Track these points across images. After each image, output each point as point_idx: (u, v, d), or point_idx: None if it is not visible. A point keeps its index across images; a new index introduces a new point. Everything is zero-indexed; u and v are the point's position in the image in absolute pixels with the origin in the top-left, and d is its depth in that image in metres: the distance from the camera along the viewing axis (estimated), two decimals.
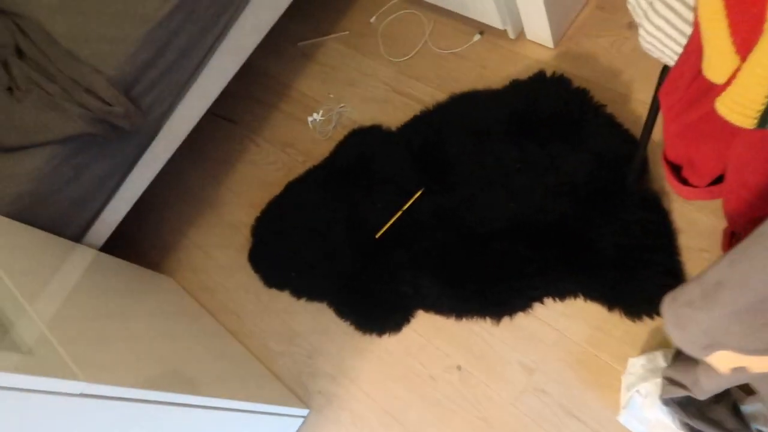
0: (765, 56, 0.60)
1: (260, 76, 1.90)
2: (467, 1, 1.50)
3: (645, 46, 0.82)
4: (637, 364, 1.16)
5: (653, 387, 1.11)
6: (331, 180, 1.62)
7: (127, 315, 1.29)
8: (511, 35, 1.55)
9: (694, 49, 0.75)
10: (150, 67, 1.35)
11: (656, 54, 0.82)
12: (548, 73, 1.48)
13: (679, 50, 0.79)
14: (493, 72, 1.57)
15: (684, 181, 1.04)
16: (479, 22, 1.58)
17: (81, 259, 1.39)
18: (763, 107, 0.67)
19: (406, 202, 1.50)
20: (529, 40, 1.55)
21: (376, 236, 1.50)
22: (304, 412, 1.46)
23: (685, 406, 1.03)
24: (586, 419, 1.21)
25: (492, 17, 1.49)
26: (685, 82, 0.81)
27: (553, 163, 1.39)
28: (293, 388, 1.49)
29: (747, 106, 0.69)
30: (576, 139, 1.38)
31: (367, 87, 1.72)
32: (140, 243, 1.86)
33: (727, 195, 0.97)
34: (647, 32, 0.80)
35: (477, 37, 1.61)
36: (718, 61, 0.73)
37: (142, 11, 1.32)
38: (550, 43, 1.50)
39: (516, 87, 1.49)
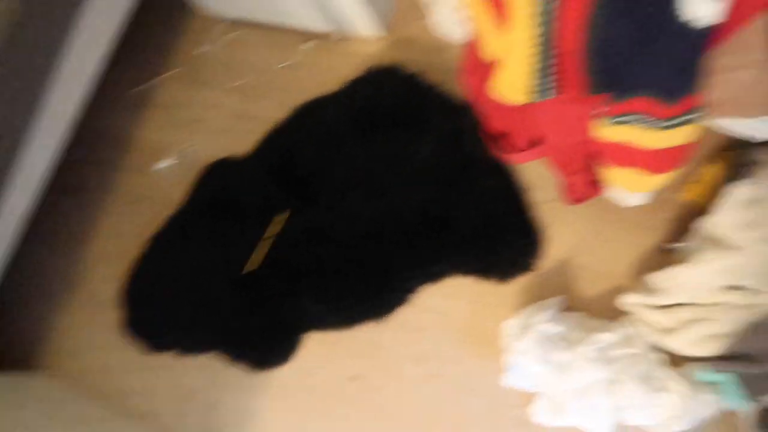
0: (520, 36, 0.72)
1: (100, 137, 1.89)
2: (286, 12, 1.59)
3: (439, 28, 0.92)
4: (511, 326, 1.27)
5: (528, 344, 1.22)
6: (193, 224, 1.65)
7: None
8: (340, 36, 1.66)
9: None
10: None
11: (452, 34, 0.92)
12: (380, 65, 1.59)
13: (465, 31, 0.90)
14: (331, 76, 1.66)
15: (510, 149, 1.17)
16: (305, 30, 1.69)
17: None
18: (534, 82, 0.79)
19: (275, 228, 1.57)
20: (358, 37, 1.66)
21: (252, 270, 1.56)
22: None
23: None
24: (483, 392, 1.31)
25: (314, 23, 1.59)
26: (478, 61, 0.93)
27: (404, 153, 1.50)
28: None
29: (518, 84, 0.81)
30: (420, 124, 1.50)
31: (213, 120, 1.78)
32: (9, 345, 1.82)
33: (550, 153, 1.11)
34: (438, 14, 0.90)
35: (307, 45, 1.71)
36: (485, 40, 0.85)
37: None
38: (377, 35, 1.61)
39: (353, 86, 1.58)
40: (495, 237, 1.35)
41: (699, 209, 1.17)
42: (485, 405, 1.29)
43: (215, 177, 1.67)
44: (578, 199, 1.20)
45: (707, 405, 1.10)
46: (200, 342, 1.57)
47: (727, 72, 0.68)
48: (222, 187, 1.64)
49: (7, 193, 1.45)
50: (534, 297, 1.31)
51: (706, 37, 0.59)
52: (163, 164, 1.74)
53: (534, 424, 1.23)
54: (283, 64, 1.72)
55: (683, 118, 0.75)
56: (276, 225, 1.55)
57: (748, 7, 0.60)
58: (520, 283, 1.33)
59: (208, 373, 1.53)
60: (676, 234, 1.23)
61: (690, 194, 1.21)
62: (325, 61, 1.67)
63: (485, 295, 1.35)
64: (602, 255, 1.29)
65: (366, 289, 1.43)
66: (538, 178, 1.38)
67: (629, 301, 1.19)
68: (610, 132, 0.82)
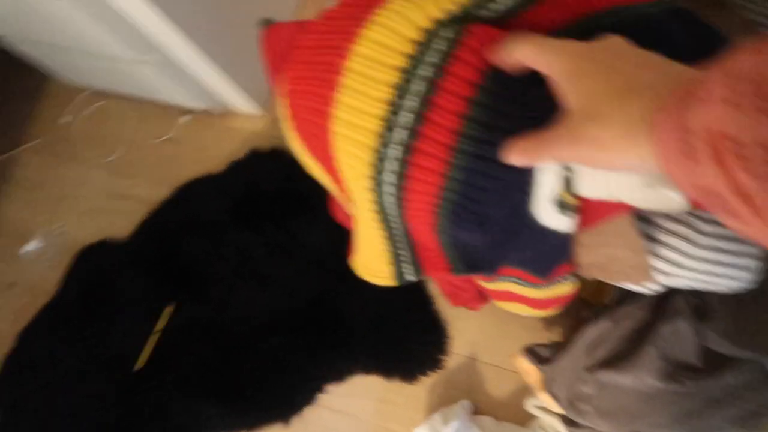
0: (366, 218, 0.62)
1: None
2: (156, 89, 1.42)
3: None
4: None
5: None
6: (66, 318, 1.48)
7: None
8: (217, 111, 1.51)
9: None
10: None
11: None
12: (262, 148, 1.46)
13: None
14: (211, 153, 1.51)
15: None
16: (180, 106, 1.52)
17: None
18: (390, 268, 0.70)
19: (157, 323, 1.42)
20: (238, 113, 1.52)
21: (135, 369, 1.41)
22: None
23: None
24: None
25: (188, 100, 1.43)
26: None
27: (295, 241, 1.39)
28: None
29: (378, 271, 0.71)
30: (309, 211, 1.39)
31: (82, 198, 1.59)
32: None
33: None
34: None
35: (185, 118, 1.54)
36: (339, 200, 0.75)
37: None
38: (257, 111, 1.48)
39: (235, 169, 1.45)
40: (397, 333, 1.28)
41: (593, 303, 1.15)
42: None
43: (90, 264, 1.51)
44: (463, 305, 1.13)
45: None
46: None
47: (593, 246, 0.64)
48: (98, 276, 1.48)
49: None
50: (441, 397, 1.25)
51: (567, 235, 0.53)
52: (30, 247, 1.55)
53: None
54: (159, 139, 1.54)
55: (556, 283, 0.70)
56: (163, 319, 1.40)
57: (609, 210, 0.55)
58: (426, 381, 1.27)
59: None
60: (572, 329, 1.20)
61: (584, 293, 1.18)
62: (206, 136, 1.52)
63: (391, 394, 1.29)
64: (507, 352, 1.24)
65: (267, 390, 1.33)
66: None
67: (534, 404, 1.16)
68: (489, 285, 0.76)
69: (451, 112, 0.45)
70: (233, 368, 1.36)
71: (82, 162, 1.59)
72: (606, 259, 0.66)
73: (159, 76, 1.31)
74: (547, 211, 0.50)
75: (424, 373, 1.28)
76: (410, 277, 0.69)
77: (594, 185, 0.48)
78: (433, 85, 0.45)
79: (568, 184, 0.48)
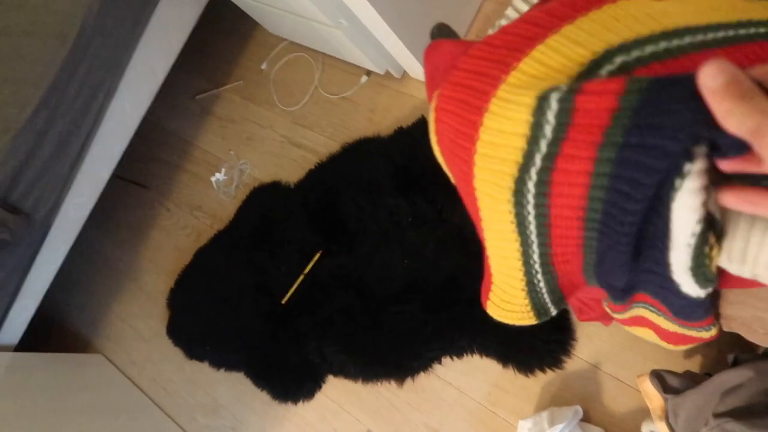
0: (500, 267, 0.63)
1: (162, 135, 1.95)
2: (343, 48, 1.52)
3: None
4: (524, 427, 1.21)
5: None
6: (236, 246, 1.68)
7: (56, 420, 1.39)
8: (396, 75, 1.57)
9: None
10: (23, 171, 1.40)
11: None
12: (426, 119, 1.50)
13: None
14: (382, 116, 1.59)
15: None
16: (363, 67, 1.61)
17: None
18: (527, 300, 0.69)
19: (307, 265, 1.56)
20: (414, 78, 1.57)
21: (282, 302, 1.57)
22: None
23: None
24: None
25: (368, 62, 1.52)
26: None
27: (441, 216, 1.43)
28: None
29: (517, 306, 0.71)
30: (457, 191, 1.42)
31: (265, 140, 1.76)
32: (66, 325, 1.95)
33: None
34: None
35: (364, 79, 1.64)
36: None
37: (1, 122, 1.37)
38: None
39: (401, 136, 1.51)
40: (523, 327, 1.27)
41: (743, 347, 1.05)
42: None
43: (262, 203, 1.67)
44: (591, 321, 1.10)
45: None
46: (229, 361, 1.61)
47: (738, 304, 0.60)
48: (266, 215, 1.65)
49: (71, 194, 1.54)
50: (554, 396, 1.24)
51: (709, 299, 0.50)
52: (219, 176, 1.75)
53: None
54: (339, 95, 1.65)
55: (696, 329, 0.66)
56: (311, 263, 1.53)
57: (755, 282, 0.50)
58: (541, 377, 1.26)
59: (238, 391, 1.59)
60: (712, 364, 1.11)
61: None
62: (380, 99, 1.60)
63: (504, 382, 1.30)
64: (634, 370, 1.19)
65: (390, 350, 1.40)
66: None
67: (651, 429, 1.10)
68: (619, 316, 0.74)
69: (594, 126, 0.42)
70: (364, 323, 1.45)
71: (271, 107, 1.76)
72: (751, 318, 0.63)
73: (348, 39, 1.40)
74: (683, 280, 0.48)
75: (542, 369, 1.27)
76: (551, 308, 0.68)
77: (745, 265, 0.44)
78: (571, 108, 0.43)
79: (710, 257, 0.44)
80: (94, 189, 1.60)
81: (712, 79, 0.31)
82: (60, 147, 1.43)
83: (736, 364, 0.89)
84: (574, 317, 1.26)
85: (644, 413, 1.14)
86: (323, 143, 1.65)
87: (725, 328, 0.73)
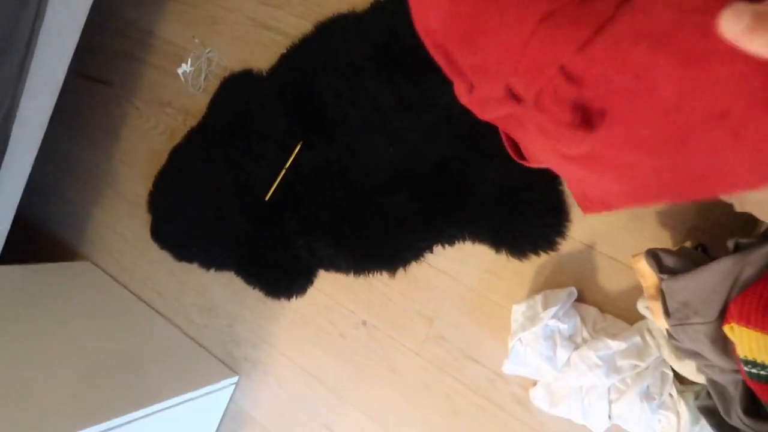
0: None
1: (121, 25, 1.79)
2: None
3: None
4: (518, 311, 1.20)
5: (532, 336, 1.16)
6: (211, 142, 1.59)
7: (49, 326, 1.38)
8: None
9: None
10: None
11: None
12: None
13: None
14: None
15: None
16: None
17: None
18: None
19: (288, 159, 1.48)
20: None
21: (265, 199, 1.51)
22: (235, 378, 1.58)
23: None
24: (484, 361, 1.29)
25: None
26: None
27: (427, 99, 1.33)
28: (222, 358, 1.61)
29: None
30: None
31: (231, 24, 1.62)
32: (50, 235, 1.91)
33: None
34: None
35: None
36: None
37: None
38: None
39: (377, 11, 1.38)
40: (517, 209, 1.22)
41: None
42: (486, 376, 1.27)
43: (234, 94, 1.57)
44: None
45: (705, 430, 1.04)
46: (218, 260, 1.59)
47: None
48: (240, 108, 1.55)
49: (26, 99, 1.44)
50: (548, 280, 1.21)
51: None
52: (185, 68, 1.63)
53: (531, 405, 1.20)
54: None
55: None
56: (291, 157, 1.45)
57: None
58: (535, 261, 1.23)
59: (231, 289, 1.58)
60: (717, 240, 1.07)
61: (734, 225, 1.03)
62: None
63: (497, 267, 1.27)
64: (629, 248, 1.15)
65: (379, 242, 1.36)
66: None
67: (647, 306, 1.08)
68: None
69: None
70: (351, 215, 1.40)
71: None
72: (765, 198, 0.61)
73: None
74: None
75: (535, 252, 1.24)
76: None
77: None
78: None
79: None
80: (50, 90, 1.49)
81: (736, 23, 0.31)
82: (1, 47, 1.30)
83: (737, 250, 0.84)
84: (568, 198, 1.20)
85: (639, 291, 1.12)
86: (294, 24, 1.50)
87: (738, 209, 0.68)
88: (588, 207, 0.65)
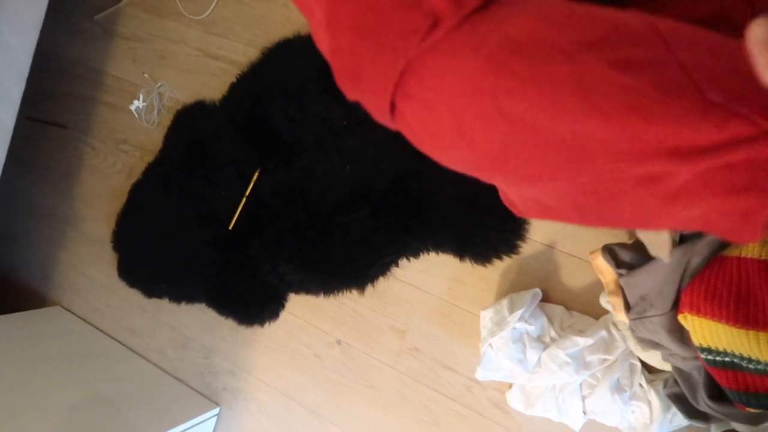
0: None
1: (68, 66, 1.77)
2: None
3: None
4: (486, 317, 1.21)
5: (501, 340, 1.17)
6: (170, 176, 1.58)
7: (22, 374, 1.36)
8: None
9: None
10: None
11: None
12: None
13: None
14: (298, 11, 1.44)
15: None
16: None
17: None
18: None
19: (248, 186, 1.47)
20: None
21: (229, 228, 1.50)
22: (216, 409, 1.57)
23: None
24: (459, 369, 1.30)
25: None
26: None
27: None
28: (201, 390, 1.59)
29: None
30: None
31: (178, 57, 1.61)
32: (17, 283, 1.88)
33: None
34: None
35: None
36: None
37: None
38: None
39: None
40: (474, 218, 1.24)
41: None
42: (462, 384, 1.28)
43: (188, 126, 1.56)
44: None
45: (677, 417, 1.06)
46: (188, 294, 1.58)
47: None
48: (195, 140, 1.54)
49: None
50: (513, 283, 1.23)
51: None
52: (137, 104, 1.62)
53: (509, 408, 1.21)
54: None
55: None
56: (250, 184, 1.45)
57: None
58: (499, 265, 1.24)
59: (204, 321, 1.58)
60: None
61: None
62: None
63: (463, 275, 1.28)
64: (588, 244, 1.17)
65: (345, 261, 1.37)
66: None
67: (608, 301, 1.10)
68: None
69: None
70: (314, 238, 1.40)
71: (177, 18, 1.59)
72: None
73: None
74: None
75: (498, 257, 1.25)
76: None
77: None
78: None
79: None
80: (1, 138, 1.46)
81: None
82: None
83: (682, 241, 0.86)
84: None
85: (602, 286, 1.13)
86: (242, 51, 1.50)
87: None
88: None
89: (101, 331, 1.72)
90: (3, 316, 1.64)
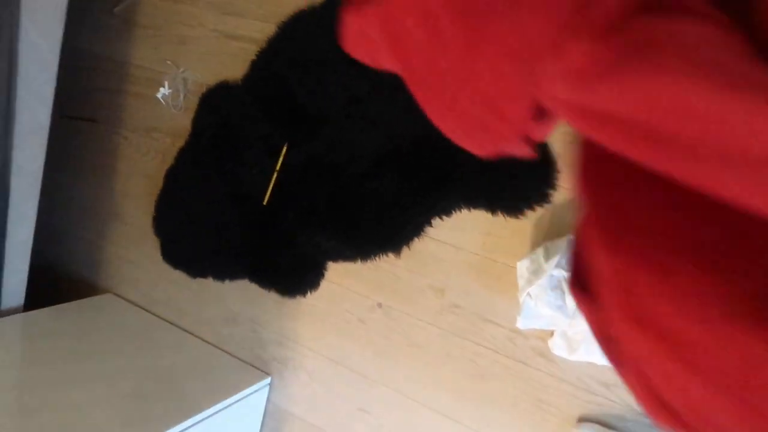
0: None
1: (93, 61, 1.81)
2: None
3: None
4: (523, 267, 1.22)
5: (539, 289, 1.18)
6: (201, 158, 1.61)
7: (83, 365, 1.43)
8: None
9: None
10: None
11: None
12: None
13: None
14: None
15: None
16: None
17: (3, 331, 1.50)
18: None
19: (277, 161, 1.50)
20: None
21: (264, 203, 1.53)
22: (268, 379, 1.62)
23: None
24: (500, 321, 1.31)
25: None
26: None
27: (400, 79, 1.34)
28: (251, 362, 1.65)
29: None
30: None
31: (198, 40, 1.63)
32: (68, 275, 1.95)
33: None
34: None
35: None
36: None
37: None
38: None
39: (334, 2, 1.38)
40: (504, 170, 1.23)
41: None
42: (504, 335, 1.29)
43: (214, 108, 1.58)
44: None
45: None
46: (230, 271, 1.62)
47: None
48: (222, 120, 1.56)
49: (17, 151, 1.47)
50: (547, 232, 1.23)
51: None
52: (163, 91, 1.65)
53: (552, 355, 1.22)
54: None
55: None
56: (280, 159, 1.47)
57: None
58: (532, 216, 1.24)
59: (248, 296, 1.62)
60: None
61: None
62: None
63: (496, 228, 1.28)
64: None
65: (378, 225, 1.38)
66: None
67: None
68: None
69: None
70: (347, 205, 1.42)
71: (194, 3, 1.60)
72: None
73: None
74: None
75: (531, 208, 1.25)
76: None
77: None
78: None
79: None
80: (39, 138, 1.52)
81: None
82: None
83: None
84: (556, 149, 1.21)
85: None
86: (259, 28, 1.51)
87: None
88: None
89: (152, 313, 1.79)
90: (59, 306, 1.71)
